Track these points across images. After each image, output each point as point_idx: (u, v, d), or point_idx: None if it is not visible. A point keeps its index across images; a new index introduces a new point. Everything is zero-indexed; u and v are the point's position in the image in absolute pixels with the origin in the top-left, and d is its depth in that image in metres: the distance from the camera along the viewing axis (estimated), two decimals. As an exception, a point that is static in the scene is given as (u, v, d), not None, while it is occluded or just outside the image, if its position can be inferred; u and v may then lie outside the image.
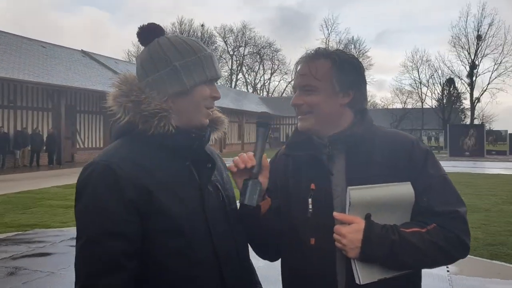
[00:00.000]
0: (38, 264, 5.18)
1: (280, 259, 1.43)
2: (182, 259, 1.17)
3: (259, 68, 66.72)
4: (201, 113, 1.27)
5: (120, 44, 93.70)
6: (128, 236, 1.13)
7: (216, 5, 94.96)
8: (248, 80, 67.60)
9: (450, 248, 1.23)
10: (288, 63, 64.51)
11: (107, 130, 24.99)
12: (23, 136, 19.35)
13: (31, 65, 20.23)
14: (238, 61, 66.17)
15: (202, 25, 63.69)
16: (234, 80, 67.31)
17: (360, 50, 58.98)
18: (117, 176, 1.15)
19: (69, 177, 15.15)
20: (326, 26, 60.63)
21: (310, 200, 1.27)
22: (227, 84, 64.58)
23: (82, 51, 28.01)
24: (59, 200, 10.32)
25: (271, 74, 67.52)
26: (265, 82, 68.41)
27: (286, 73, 67.96)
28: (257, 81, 67.62)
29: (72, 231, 6.99)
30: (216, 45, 64.64)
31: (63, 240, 6.33)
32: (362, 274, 1.19)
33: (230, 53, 65.43)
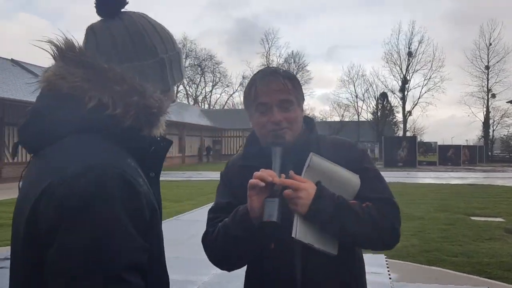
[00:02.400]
0: None
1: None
2: None
3: (200, 80, 66.48)
4: (164, 119, 1.01)
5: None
6: (144, 270, 0.86)
7: (164, 13, 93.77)
8: (189, 93, 67.06)
9: (384, 229, 1.32)
10: (230, 76, 64.81)
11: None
12: None
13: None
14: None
15: (142, 36, 62.50)
16: (175, 92, 66.43)
17: (300, 64, 60.43)
18: (136, 192, 0.86)
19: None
20: (267, 40, 61.61)
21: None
22: (167, 96, 63.55)
23: (12, 60, 26.47)
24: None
25: (213, 86, 67.49)
26: (207, 94, 68.23)
27: (227, 86, 68.27)
28: (198, 93, 67.28)
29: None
30: (156, 56, 63.64)
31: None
32: (299, 230, 1.24)
33: (170, 65, 64.64)
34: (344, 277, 1.38)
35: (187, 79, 65.77)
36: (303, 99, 1.48)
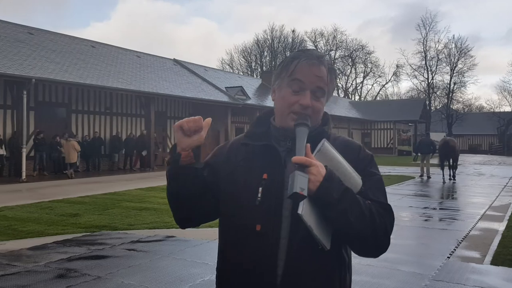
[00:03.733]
0: (89, 267, 5.27)
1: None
2: None
3: (350, 72, 65.07)
4: None
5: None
6: None
7: (322, 11, 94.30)
8: (339, 84, 66.17)
9: (379, 229, 1.30)
10: (382, 66, 62.07)
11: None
12: (118, 140, 20.69)
13: (125, 73, 21.57)
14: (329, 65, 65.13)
15: (293, 31, 63.78)
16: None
17: (462, 49, 54.96)
18: None
19: (155, 180, 15.84)
20: (424, 25, 57.17)
21: (260, 189, 1.33)
22: (317, 88, 63.72)
23: (174, 60, 29.35)
24: (136, 202, 10.70)
25: (364, 77, 65.50)
26: (357, 86, 66.51)
27: (380, 76, 65.55)
28: (348, 85, 65.98)
29: (137, 234, 7.11)
30: (306, 49, 64.17)
31: (123, 243, 6.43)
32: (305, 208, 1.21)
33: (321, 57, 64.59)
34: (326, 279, 1.33)
35: (338, 70, 64.96)
36: (331, 95, 1.49)
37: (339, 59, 63.71)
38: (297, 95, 1.37)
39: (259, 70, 57.14)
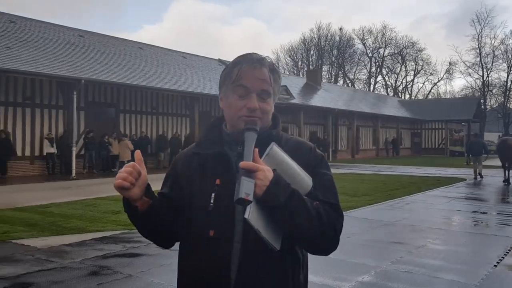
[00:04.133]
0: (122, 265, 5.34)
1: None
2: None
3: (400, 70, 63.24)
4: None
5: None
6: None
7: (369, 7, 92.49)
8: (388, 83, 64.50)
9: (327, 230, 1.33)
10: (434, 63, 59.91)
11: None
12: (164, 140, 21.14)
13: (171, 74, 21.99)
14: (377, 63, 63.62)
15: (340, 29, 62.79)
16: (373, 83, 64.79)
17: (521, 45, 52.01)
18: None
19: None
20: (478, 21, 54.68)
21: (213, 194, 1.36)
22: (365, 87, 62.51)
23: (219, 60, 29.63)
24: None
25: (414, 75, 63.47)
26: (407, 84, 64.54)
27: (431, 74, 63.31)
28: (398, 83, 64.15)
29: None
30: (354, 48, 63.08)
31: (158, 242, 6.48)
32: (252, 212, 1.23)
33: (369, 55, 63.27)
34: (279, 280, 1.35)
35: (387, 68, 63.40)
36: (278, 95, 1.51)
37: (388, 56, 62.12)
38: (244, 100, 1.40)
39: (305, 69, 56.63)
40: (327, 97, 34.44)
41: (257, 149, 1.30)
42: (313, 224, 1.29)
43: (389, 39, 61.37)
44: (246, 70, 1.40)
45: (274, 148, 1.34)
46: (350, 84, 62.45)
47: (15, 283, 4.62)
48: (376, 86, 64.23)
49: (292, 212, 1.27)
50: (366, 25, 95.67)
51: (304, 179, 1.36)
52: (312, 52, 63.39)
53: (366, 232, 7.57)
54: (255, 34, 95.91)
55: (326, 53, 62.89)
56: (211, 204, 1.35)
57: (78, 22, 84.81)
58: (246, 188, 1.20)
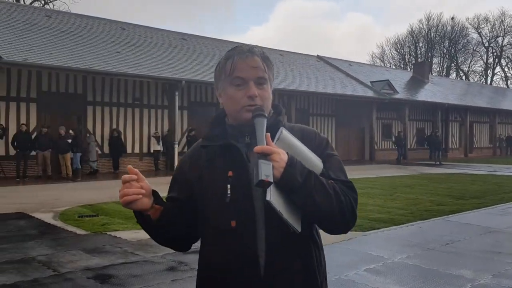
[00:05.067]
0: (199, 261, 5.35)
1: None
2: None
3: (523, 59, 56.91)
4: None
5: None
6: None
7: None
8: (508, 75, 58.47)
9: (346, 207, 1.35)
10: None
11: (339, 132, 25.35)
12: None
13: (268, 72, 22.12)
14: (495, 54, 58.02)
15: (452, 18, 58.32)
16: (490, 75, 59.24)
17: None
18: None
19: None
20: None
21: (228, 186, 1.36)
22: (481, 80, 57.40)
23: (317, 56, 29.19)
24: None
25: (541, 65, 56.72)
26: (532, 75, 57.85)
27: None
28: (521, 74, 57.80)
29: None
30: (468, 38, 58.20)
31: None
32: (273, 196, 1.25)
33: (485, 45, 57.91)
34: (306, 260, 1.39)
35: (506, 59, 57.51)
36: (273, 81, 1.52)
37: (508, 46, 56.28)
38: (242, 90, 1.41)
39: (414, 62, 53.59)
40: (436, 91, 32.11)
41: (268, 134, 1.32)
42: (332, 201, 1.32)
43: (509, 27, 55.52)
44: (239, 61, 1.42)
45: (284, 132, 1.37)
46: (464, 77, 57.76)
47: (98, 275, 4.86)
48: (494, 79, 58.64)
49: (311, 192, 1.29)
50: (481, 13, 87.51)
51: (315, 161, 1.39)
52: (421, 44, 59.78)
53: (467, 239, 6.78)
54: (362, 28, 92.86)
55: (436, 45, 58.85)
56: (228, 195, 1.35)
57: (188, 27, 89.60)
58: (265, 170, 1.21)
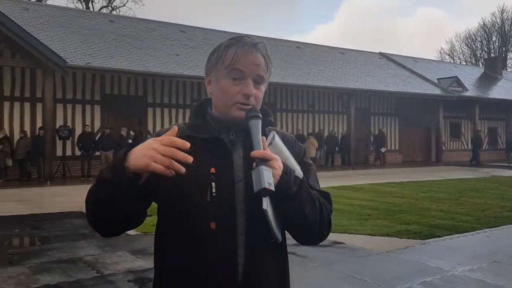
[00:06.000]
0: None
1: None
2: None
3: None
4: None
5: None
6: None
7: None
8: None
9: (325, 219, 1.32)
10: None
11: (403, 132, 24.27)
12: (320, 138, 20.88)
13: (326, 71, 21.63)
14: None
15: (530, 8, 54.10)
16: None
17: None
18: None
19: (351, 179, 15.36)
20: None
21: (213, 184, 1.25)
22: None
23: (380, 53, 28.15)
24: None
25: None
26: None
27: None
28: None
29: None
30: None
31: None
32: (269, 203, 1.22)
33: None
34: (281, 269, 1.35)
35: None
36: (268, 81, 1.42)
37: None
38: (239, 85, 1.31)
39: (486, 57, 50.35)
40: (511, 88, 29.86)
41: (264, 138, 1.25)
42: (317, 213, 1.29)
43: None
44: (241, 54, 1.31)
45: (276, 137, 1.33)
46: (543, 72, 53.39)
47: (138, 277, 4.82)
48: None
49: (301, 201, 1.25)
50: None
51: (298, 170, 1.33)
52: (494, 38, 56.06)
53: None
54: (432, 23, 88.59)
55: (511, 39, 54.94)
56: (214, 194, 1.23)
57: (251, 28, 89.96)
58: (267, 178, 1.15)
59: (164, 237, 1.32)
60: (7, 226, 7.60)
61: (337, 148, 20.65)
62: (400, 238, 6.69)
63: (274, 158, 1.22)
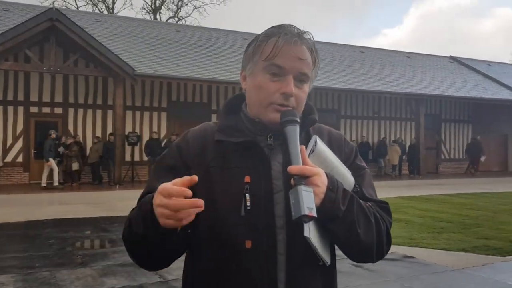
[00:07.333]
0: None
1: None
2: None
3: None
4: None
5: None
6: None
7: None
8: None
9: (384, 236, 1.14)
10: None
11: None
12: (384, 145, 20.15)
13: (392, 76, 20.87)
14: None
15: None
16: None
17: None
18: None
19: (420, 188, 14.65)
20: None
21: (247, 195, 1.08)
22: None
23: (450, 57, 26.78)
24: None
25: None
26: None
27: None
28: None
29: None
30: None
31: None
32: (312, 228, 1.06)
33: None
34: None
35: None
36: (314, 80, 1.22)
37: None
38: (277, 82, 1.13)
39: None
40: None
41: (303, 147, 1.07)
42: (373, 231, 1.10)
43: None
44: (284, 45, 1.12)
45: (319, 143, 1.14)
46: None
47: (169, 287, 4.73)
48: None
49: (353, 220, 1.07)
50: None
51: (347, 177, 1.16)
52: None
53: None
54: (507, 25, 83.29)
55: None
56: (248, 208, 1.07)
57: (317, 33, 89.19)
58: (307, 201, 0.98)
59: (192, 258, 1.16)
60: (79, 228, 7.91)
61: (404, 157, 19.81)
62: (478, 254, 6.17)
63: (316, 173, 1.04)
